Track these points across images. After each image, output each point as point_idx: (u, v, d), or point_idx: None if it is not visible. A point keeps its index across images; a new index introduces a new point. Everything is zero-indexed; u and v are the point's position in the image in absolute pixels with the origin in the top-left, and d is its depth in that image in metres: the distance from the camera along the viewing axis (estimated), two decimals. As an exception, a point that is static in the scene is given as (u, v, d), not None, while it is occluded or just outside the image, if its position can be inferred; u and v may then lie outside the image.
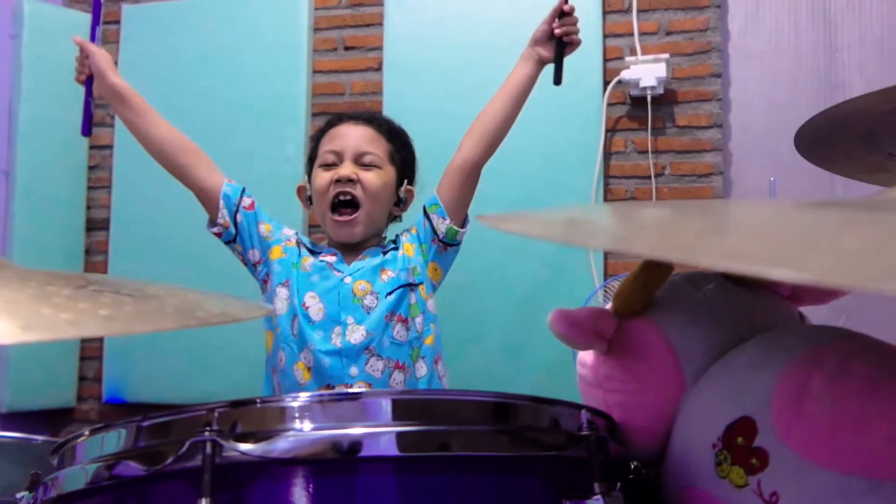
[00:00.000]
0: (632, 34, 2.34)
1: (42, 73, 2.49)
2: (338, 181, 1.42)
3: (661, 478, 0.52)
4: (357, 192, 1.42)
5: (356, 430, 0.40)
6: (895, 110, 0.68)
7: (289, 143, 2.46)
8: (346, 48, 2.52)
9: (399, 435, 0.40)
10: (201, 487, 0.36)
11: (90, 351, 2.56)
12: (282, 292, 1.44)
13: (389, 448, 0.39)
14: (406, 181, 1.56)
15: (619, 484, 0.50)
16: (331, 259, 1.46)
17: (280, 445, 0.39)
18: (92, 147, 2.63)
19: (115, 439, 0.43)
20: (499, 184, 2.32)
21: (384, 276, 1.44)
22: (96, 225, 2.61)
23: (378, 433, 0.39)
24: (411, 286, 1.45)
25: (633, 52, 2.33)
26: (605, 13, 2.36)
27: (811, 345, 0.46)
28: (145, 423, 0.42)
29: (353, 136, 1.47)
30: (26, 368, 2.37)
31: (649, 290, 0.54)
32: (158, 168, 2.50)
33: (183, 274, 2.44)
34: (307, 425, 0.40)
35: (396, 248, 1.51)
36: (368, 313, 1.39)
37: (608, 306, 0.56)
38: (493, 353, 2.23)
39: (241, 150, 2.47)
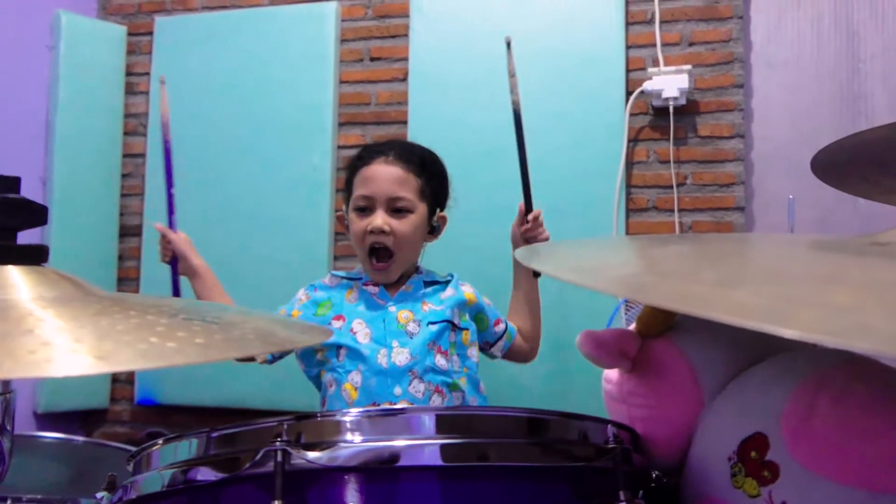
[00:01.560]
0: (654, 45, 2.37)
1: (78, 84, 2.57)
2: (371, 232, 1.47)
3: (680, 487, 0.55)
4: (390, 242, 1.47)
5: (404, 442, 0.44)
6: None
7: (316, 151, 2.52)
8: (372, 59, 2.57)
9: (443, 447, 0.44)
10: (274, 491, 0.40)
11: (122, 354, 2.62)
12: (335, 324, 1.50)
13: (433, 458, 0.44)
14: (438, 209, 1.60)
15: (641, 492, 0.54)
16: (374, 290, 1.53)
17: (341, 454, 0.43)
18: (125, 156, 2.71)
19: (186, 448, 0.47)
20: (521, 192, 2.36)
21: (425, 308, 1.51)
22: (129, 231, 2.68)
23: (424, 444, 0.44)
24: (454, 326, 1.51)
25: (655, 62, 2.36)
26: (627, 24, 2.39)
27: (819, 367, 0.49)
28: (214, 434, 0.46)
29: (384, 181, 1.49)
30: (62, 370, 2.44)
31: (671, 313, 0.58)
32: (188, 176, 2.58)
33: (212, 279, 2.50)
34: (358, 437, 0.45)
35: (446, 285, 1.58)
36: (412, 338, 1.46)
37: (632, 327, 0.60)
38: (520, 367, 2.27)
39: (269, 158, 2.53)
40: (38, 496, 1.22)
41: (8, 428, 0.42)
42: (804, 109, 2.37)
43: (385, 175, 1.50)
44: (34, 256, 0.43)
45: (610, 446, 0.48)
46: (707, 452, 0.53)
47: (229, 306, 0.45)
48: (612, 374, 0.60)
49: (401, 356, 1.43)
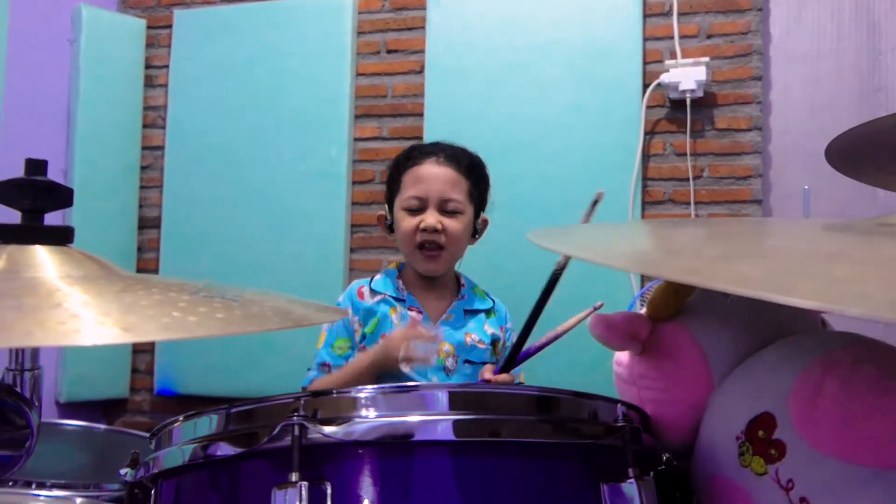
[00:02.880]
0: (672, 37, 2.36)
1: (98, 77, 2.59)
2: (423, 230, 1.48)
3: (690, 467, 0.56)
4: (441, 240, 1.48)
5: (418, 418, 0.45)
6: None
7: (332, 143, 2.53)
8: (389, 51, 2.58)
9: (455, 422, 0.45)
10: (291, 464, 0.41)
11: (142, 345, 2.66)
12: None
13: (446, 433, 0.45)
14: (481, 211, 1.61)
15: (651, 473, 0.55)
16: (417, 317, 1.52)
17: (357, 429, 0.44)
18: (144, 148, 2.73)
19: (206, 424, 0.49)
20: (539, 186, 2.37)
21: (468, 341, 1.52)
22: (148, 223, 2.71)
23: (437, 420, 0.45)
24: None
25: (672, 55, 2.35)
26: (645, 16, 2.38)
27: (827, 349, 0.50)
28: (233, 410, 0.48)
29: (436, 182, 1.50)
30: (82, 361, 2.48)
31: (681, 297, 0.58)
32: (207, 169, 2.61)
33: (230, 270, 2.53)
34: (372, 413, 0.46)
35: (487, 314, 1.58)
36: (448, 375, 1.48)
37: (643, 311, 0.61)
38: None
39: (287, 150, 2.55)
40: (62, 481, 1.24)
41: (36, 403, 0.44)
42: (823, 102, 2.35)
43: (438, 175, 1.51)
44: (61, 237, 0.45)
45: (619, 424, 0.48)
46: (716, 432, 0.53)
47: (249, 287, 0.47)
48: (623, 357, 0.61)
49: None
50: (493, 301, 1.61)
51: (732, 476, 0.50)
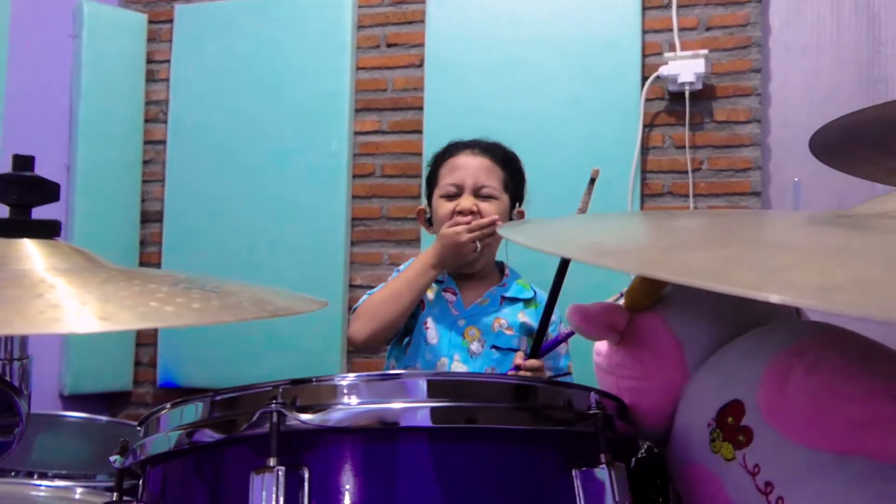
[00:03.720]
0: (671, 29, 2.36)
1: (100, 72, 2.61)
2: (459, 213, 1.51)
3: (666, 454, 0.57)
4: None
5: (396, 405, 0.47)
6: (904, 119, 0.72)
7: (333, 138, 2.54)
8: (389, 45, 2.59)
9: (433, 409, 0.47)
10: (269, 450, 0.43)
11: (145, 338, 2.68)
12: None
13: (424, 420, 0.47)
14: (518, 204, 1.65)
15: (633, 460, 0.56)
16: (451, 298, 1.56)
17: (333, 416, 0.46)
18: (146, 142, 2.75)
19: (192, 411, 0.50)
20: (538, 178, 2.37)
21: (496, 326, 1.54)
22: (150, 217, 2.72)
23: (415, 407, 0.46)
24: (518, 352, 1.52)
25: (672, 47, 2.35)
26: (644, 9, 2.38)
27: (795, 338, 0.51)
28: (217, 398, 0.49)
29: (471, 168, 1.56)
30: (86, 354, 2.50)
31: (657, 288, 0.59)
32: (208, 163, 2.63)
33: (232, 263, 2.55)
34: (354, 400, 0.47)
35: (528, 303, 1.59)
36: (472, 358, 1.50)
37: (621, 302, 0.62)
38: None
39: (288, 144, 2.56)
40: (64, 472, 1.26)
41: (25, 392, 0.45)
42: (823, 94, 2.35)
43: (473, 164, 1.56)
44: (48, 230, 0.46)
45: (592, 412, 0.50)
46: (689, 420, 0.55)
47: (231, 280, 0.48)
48: (602, 346, 0.62)
49: (460, 369, 1.47)
50: (536, 292, 1.62)
51: (704, 462, 0.51)
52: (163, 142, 2.73)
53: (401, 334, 1.56)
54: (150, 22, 2.77)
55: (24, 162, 0.46)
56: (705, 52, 2.29)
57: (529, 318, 1.57)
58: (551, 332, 1.53)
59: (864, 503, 0.42)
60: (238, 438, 0.46)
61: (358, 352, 1.56)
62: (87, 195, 2.55)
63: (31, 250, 0.43)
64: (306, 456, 0.45)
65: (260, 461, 0.43)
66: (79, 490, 1.19)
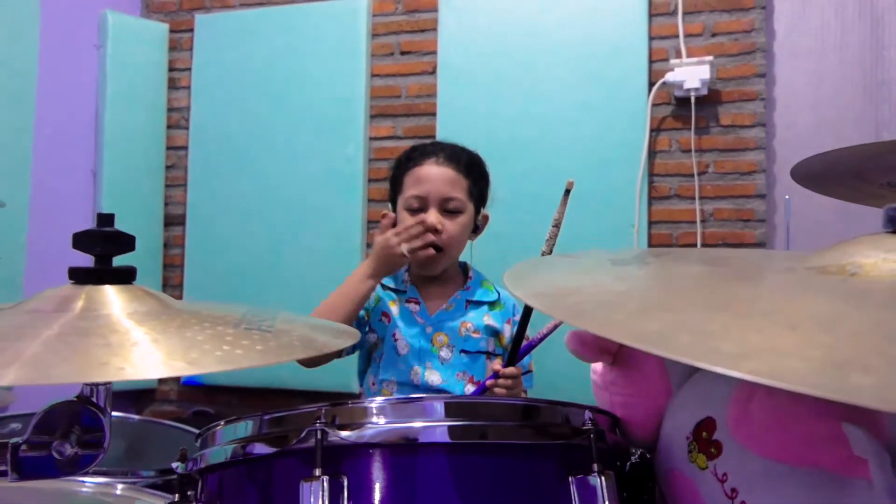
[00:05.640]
0: (677, 36, 2.42)
1: (124, 81, 2.70)
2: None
3: (654, 460, 0.66)
4: (441, 238, 1.51)
5: (418, 424, 0.55)
6: (877, 156, 0.79)
7: (349, 143, 2.62)
8: (402, 53, 2.66)
9: (450, 427, 0.55)
10: (315, 461, 0.51)
11: (169, 336, 2.77)
12: (383, 319, 1.57)
13: (443, 436, 0.55)
14: (482, 207, 1.63)
15: (626, 466, 0.64)
16: (415, 308, 1.57)
17: (367, 433, 0.54)
18: (169, 148, 2.84)
19: (244, 427, 0.59)
20: (547, 182, 2.44)
21: (463, 330, 1.55)
22: (173, 220, 2.82)
23: (435, 426, 0.55)
24: (490, 355, 1.56)
25: (678, 53, 2.41)
26: (651, 16, 2.44)
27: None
28: (266, 417, 0.58)
29: (436, 182, 1.53)
30: (114, 352, 2.59)
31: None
32: (228, 167, 2.71)
33: (252, 264, 2.64)
34: (382, 420, 0.56)
35: (492, 306, 1.60)
36: (443, 364, 1.52)
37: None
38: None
39: (305, 149, 2.65)
40: (103, 468, 1.35)
41: (109, 411, 0.53)
42: (827, 97, 2.41)
43: (438, 175, 1.53)
44: (126, 277, 0.55)
45: (586, 428, 0.58)
46: (671, 432, 0.62)
47: (279, 313, 0.56)
48: (598, 366, 0.70)
49: (433, 376, 1.51)
50: (500, 294, 1.63)
51: (683, 469, 0.59)
52: (184, 147, 2.82)
53: (368, 351, 1.58)
54: (172, 31, 2.86)
55: (106, 219, 0.55)
56: (710, 58, 2.35)
57: (494, 320, 1.58)
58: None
59: (811, 507, 0.50)
60: (287, 451, 0.55)
61: (307, 367, 1.58)
62: (112, 199, 2.64)
63: (112, 296, 0.52)
64: (345, 467, 0.53)
65: (307, 471, 0.51)
66: (119, 486, 1.28)
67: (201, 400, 2.75)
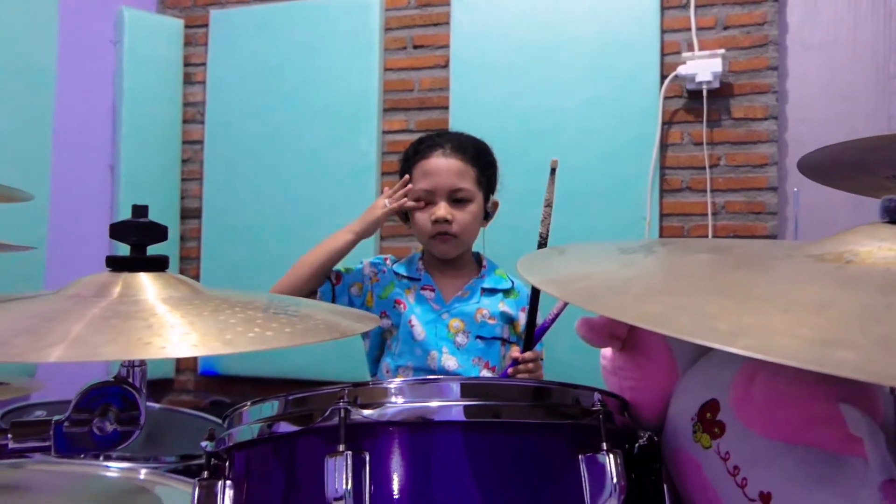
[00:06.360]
0: (689, 29, 2.43)
1: (140, 76, 2.74)
2: (435, 221, 1.56)
3: (661, 441, 0.68)
4: (453, 229, 1.56)
5: (436, 403, 0.58)
6: (881, 148, 0.82)
7: (362, 137, 2.65)
8: (415, 47, 2.69)
9: (466, 407, 0.58)
10: (339, 438, 0.55)
11: (186, 327, 2.81)
12: (398, 307, 1.60)
13: (459, 415, 0.58)
14: (491, 195, 1.67)
15: (629, 445, 0.67)
16: (430, 294, 1.61)
17: (387, 412, 0.57)
18: (185, 142, 2.88)
19: (269, 407, 0.62)
20: (560, 174, 2.45)
21: (479, 317, 1.59)
22: (189, 214, 2.86)
23: (451, 405, 0.58)
24: (504, 341, 1.60)
25: (690, 46, 2.42)
26: (663, 9, 2.45)
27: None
28: (290, 397, 0.61)
29: (444, 174, 1.56)
30: (132, 343, 2.64)
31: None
32: (244, 161, 2.75)
33: (266, 257, 2.67)
34: (401, 399, 0.59)
35: (507, 294, 1.64)
36: (459, 349, 1.56)
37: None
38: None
39: (318, 143, 2.68)
40: (126, 454, 1.39)
41: (144, 391, 0.57)
42: (840, 90, 2.41)
43: (445, 168, 1.57)
44: (159, 265, 0.58)
45: (595, 409, 0.61)
46: (677, 414, 0.65)
47: (302, 300, 0.59)
48: (608, 351, 0.73)
49: (450, 361, 1.54)
50: (514, 282, 1.66)
51: (688, 449, 0.62)
52: (200, 141, 2.85)
53: (382, 338, 1.62)
54: (187, 26, 2.89)
55: (140, 210, 0.58)
56: (722, 51, 2.36)
57: (509, 307, 1.62)
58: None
59: (807, 481, 0.52)
60: (311, 429, 0.58)
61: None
62: (129, 193, 2.69)
63: (147, 282, 0.55)
64: (366, 443, 0.56)
65: (331, 447, 0.54)
66: (143, 471, 1.32)
67: (218, 390, 2.79)
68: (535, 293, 1.39)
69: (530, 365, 1.41)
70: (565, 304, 1.41)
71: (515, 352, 1.44)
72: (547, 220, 1.39)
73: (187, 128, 2.89)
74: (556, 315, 1.42)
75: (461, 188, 1.57)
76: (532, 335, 1.41)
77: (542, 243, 1.40)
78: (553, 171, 1.43)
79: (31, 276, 2.22)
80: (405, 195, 1.58)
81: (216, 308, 0.52)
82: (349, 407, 0.56)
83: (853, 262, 0.44)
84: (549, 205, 1.41)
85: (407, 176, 1.60)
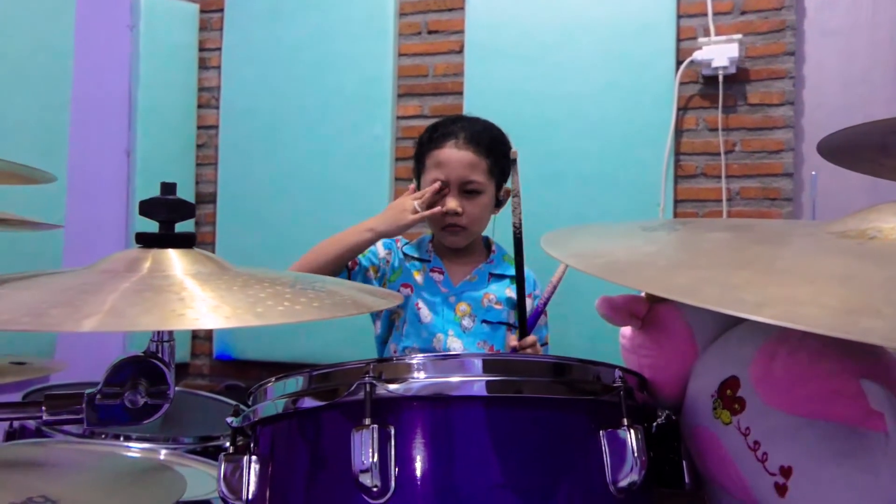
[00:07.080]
0: (706, 14, 2.41)
1: (156, 61, 2.75)
2: (445, 213, 1.57)
3: (680, 419, 0.69)
4: (462, 221, 1.57)
5: (458, 379, 0.59)
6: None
7: (377, 122, 2.65)
8: (430, 32, 2.68)
9: (488, 382, 0.59)
10: (364, 412, 0.56)
11: (201, 312, 2.84)
12: (403, 290, 1.62)
13: (481, 390, 0.59)
14: (503, 182, 1.67)
15: (649, 422, 0.68)
16: (438, 277, 1.63)
17: (413, 387, 0.58)
18: (200, 127, 2.89)
19: (294, 383, 0.63)
20: (574, 160, 2.46)
21: (486, 301, 1.61)
22: (204, 199, 2.88)
23: (473, 380, 0.59)
24: (510, 326, 1.61)
25: (706, 32, 2.40)
26: (679, -7, 2.43)
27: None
28: (314, 373, 0.62)
29: (455, 166, 1.57)
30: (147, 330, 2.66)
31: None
32: (258, 146, 2.76)
33: (281, 242, 2.69)
34: (423, 375, 0.60)
35: (514, 279, 1.61)
36: (465, 333, 1.58)
37: (642, 294, 0.73)
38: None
39: (333, 128, 2.68)
40: (146, 434, 1.42)
41: (172, 365, 0.58)
42: (857, 76, 2.39)
43: (457, 159, 1.57)
44: (187, 241, 0.59)
45: (616, 385, 0.62)
46: (696, 391, 0.66)
47: (327, 277, 0.60)
48: (627, 330, 0.73)
49: (455, 344, 1.56)
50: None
51: (708, 425, 0.62)
52: (215, 126, 2.86)
53: (390, 319, 1.64)
54: (202, 12, 2.90)
55: (168, 188, 0.59)
56: (739, 36, 2.34)
57: (516, 293, 1.60)
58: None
59: (828, 455, 0.53)
60: (336, 404, 0.59)
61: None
62: (145, 178, 2.70)
63: (175, 259, 0.56)
64: (391, 417, 0.57)
65: (357, 422, 0.55)
66: (163, 451, 1.35)
67: (233, 374, 2.82)
68: (521, 282, 1.42)
69: (528, 351, 1.42)
70: (553, 290, 1.45)
71: (513, 340, 1.46)
72: (517, 210, 1.41)
73: (202, 112, 2.90)
74: (548, 298, 1.45)
75: (472, 180, 1.57)
76: (525, 322, 1.43)
77: (518, 233, 1.42)
78: (514, 161, 1.44)
79: (51, 258, 2.25)
80: (435, 203, 1.57)
81: (245, 283, 0.53)
82: (375, 381, 0.57)
83: (877, 238, 0.44)
84: (517, 195, 1.44)
85: (438, 183, 1.58)
